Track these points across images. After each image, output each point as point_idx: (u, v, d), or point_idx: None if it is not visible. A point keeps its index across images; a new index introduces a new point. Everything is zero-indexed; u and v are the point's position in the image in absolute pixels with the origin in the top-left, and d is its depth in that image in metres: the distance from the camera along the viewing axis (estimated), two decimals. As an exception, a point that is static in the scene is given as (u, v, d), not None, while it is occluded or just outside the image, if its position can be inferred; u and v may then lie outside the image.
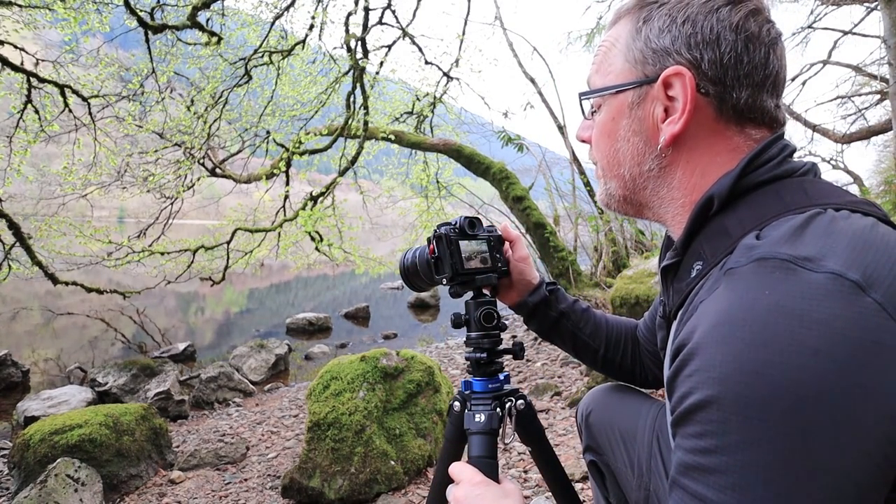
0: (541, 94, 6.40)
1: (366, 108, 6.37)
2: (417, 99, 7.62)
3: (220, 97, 6.43)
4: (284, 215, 6.99)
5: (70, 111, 5.68)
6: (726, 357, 0.44)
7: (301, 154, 6.64)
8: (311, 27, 6.33)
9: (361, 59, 6.29)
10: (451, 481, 0.78)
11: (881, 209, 0.54)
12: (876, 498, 0.42)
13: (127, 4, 4.99)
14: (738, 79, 0.58)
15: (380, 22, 6.53)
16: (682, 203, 0.63)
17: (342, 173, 6.71)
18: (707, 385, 0.44)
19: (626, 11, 0.65)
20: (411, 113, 7.64)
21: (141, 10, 5.32)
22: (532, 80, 6.43)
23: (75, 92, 5.63)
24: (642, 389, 1.07)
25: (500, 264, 0.94)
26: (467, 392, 0.90)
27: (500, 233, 0.99)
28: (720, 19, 0.58)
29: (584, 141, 0.72)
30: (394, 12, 6.54)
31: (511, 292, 1.01)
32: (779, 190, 0.57)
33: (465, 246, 0.89)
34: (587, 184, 6.18)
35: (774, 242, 0.48)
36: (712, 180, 0.60)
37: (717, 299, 0.49)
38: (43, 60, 5.60)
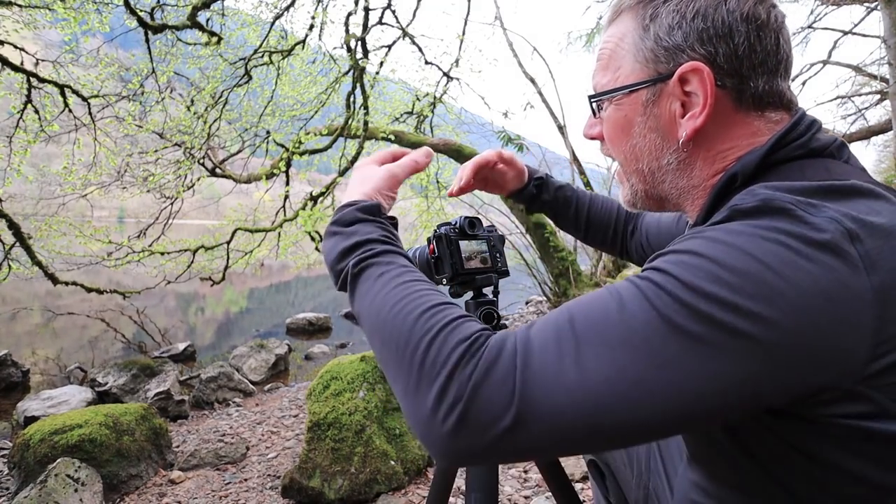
0: (541, 94, 6.41)
1: (366, 108, 6.37)
2: (417, 99, 7.62)
3: (220, 97, 6.43)
4: (284, 215, 6.99)
5: (70, 111, 5.68)
6: (708, 249, 0.46)
7: (301, 154, 6.64)
8: (311, 27, 6.34)
9: (361, 59, 6.29)
10: (453, 481, 0.78)
11: None
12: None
13: (127, 4, 4.99)
14: (754, 68, 0.58)
15: (380, 22, 6.53)
16: (703, 187, 0.63)
17: (342, 173, 6.71)
18: (685, 251, 0.47)
19: (627, 8, 0.64)
20: (411, 113, 7.65)
21: (141, 10, 5.32)
22: (532, 80, 6.43)
23: (75, 92, 5.63)
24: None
25: (500, 264, 0.94)
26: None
27: (499, 233, 0.99)
28: (730, 10, 0.57)
29: (592, 138, 0.72)
30: (394, 12, 6.54)
31: (509, 184, 1.08)
32: (802, 167, 0.56)
33: (465, 246, 0.89)
34: (587, 184, 6.18)
35: (778, 187, 0.49)
36: (735, 160, 0.60)
37: (715, 229, 0.50)
38: (43, 60, 5.60)
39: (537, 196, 1.09)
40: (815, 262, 0.43)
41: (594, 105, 0.69)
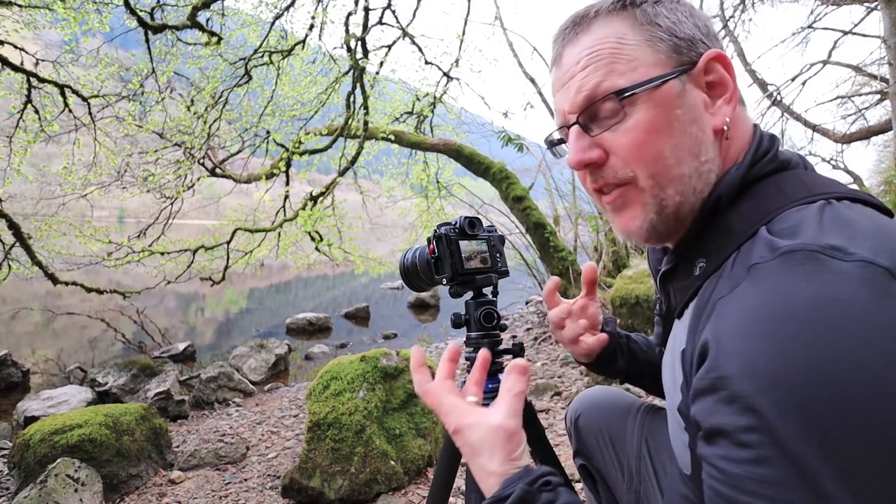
0: (541, 94, 6.41)
1: (366, 108, 6.37)
2: (417, 99, 7.62)
3: (220, 97, 6.43)
4: (284, 215, 6.99)
5: (70, 111, 5.68)
6: (772, 356, 0.41)
7: (301, 154, 6.64)
8: (311, 27, 6.33)
9: (361, 59, 6.29)
10: (452, 481, 0.78)
11: (877, 199, 0.55)
12: None
13: (127, 4, 4.99)
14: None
15: (380, 22, 6.53)
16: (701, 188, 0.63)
17: (342, 173, 6.71)
18: (755, 389, 0.41)
19: (607, 13, 0.61)
20: (411, 113, 7.64)
21: (141, 10, 5.32)
22: (532, 80, 6.43)
23: (75, 92, 5.63)
24: (630, 392, 1.07)
25: (500, 264, 0.94)
26: (467, 392, 0.90)
27: (499, 233, 0.98)
28: (697, 15, 0.62)
29: (591, 162, 0.62)
30: (394, 12, 6.54)
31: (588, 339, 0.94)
32: (777, 182, 0.56)
33: (465, 246, 0.89)
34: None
35: (796, 234, 0.47)
36: (727, 163, 0.61)
37: (745, 296, 0.46)
38: (43, 60, 5.60)
39: (625, 344, 0.95)
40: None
41: (586, 118, 0.61)
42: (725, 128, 0.59)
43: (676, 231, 0.63)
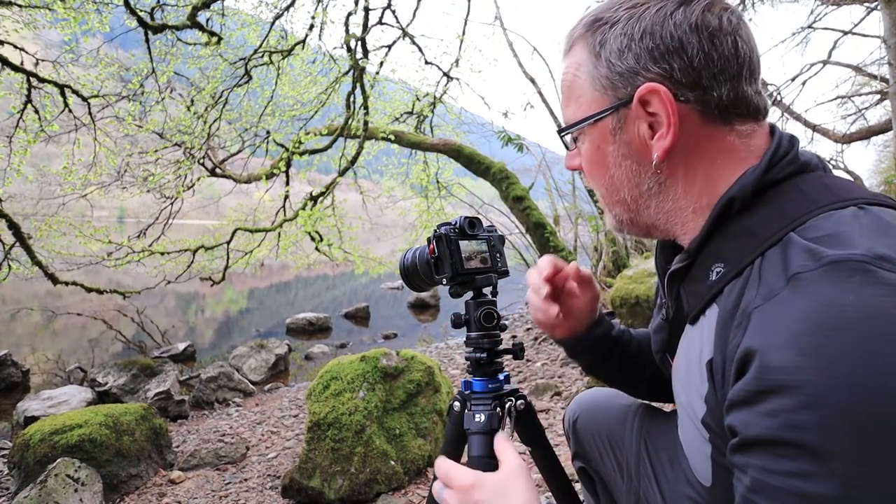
0: (541, 94, 6.40)
1: (366, 108, 6.37)
2: (417, 99, 7.62)
3: (220, 97, 6.43)
4: (284, 215, 6.99)
5: (70, 111, 5.69)
6: (822, 370, 0.39)
7: (301, 154, 6.65)
8: (311, 27, 6.34)
9: (361, 59, 6.29)
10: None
11: None
12: None
13: (127, 4, 4.99)
14: (714, 77, 0.56)
15: (380, 22, 6.54)
16: (692, 210, 0.61)
17: (342, 173, 6.71)
18: (804, 403, 0.40)
19: (578, 37, 0.63)
20: (411, 113, 7.65)
21: (141, 10, 5.32)
22: (532, 80, 6.42)
23: (75, 92, 5.63)
24: (628, 394, 1.01)
25: (500, 264, 0.94)
26: (467, 392, 0.90)
27: (499, 233, 0.98)
28: (678, 24, 0.56)
29: (574, 169, 0.71)
30: (394, 12, 6.55)
31: (570, 322, 0.92)
32: (798, 185, 0.55)
33: (465, 246, 0.89)
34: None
35: (839, 243, 0.45)
36: (720, 182, 0.58)
37: (789, 306, 0.44)
38: (43, 60, 5.60)
39: (609, 332, 0.93)
40: None
41: (566, 137, 0.68)
42: (653, 164, 0.59)
43: (647, 232, 0.67)
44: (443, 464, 0.71)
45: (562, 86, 0.67)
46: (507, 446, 0.71)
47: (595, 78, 0.61)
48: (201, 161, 7.12)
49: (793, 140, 0.58)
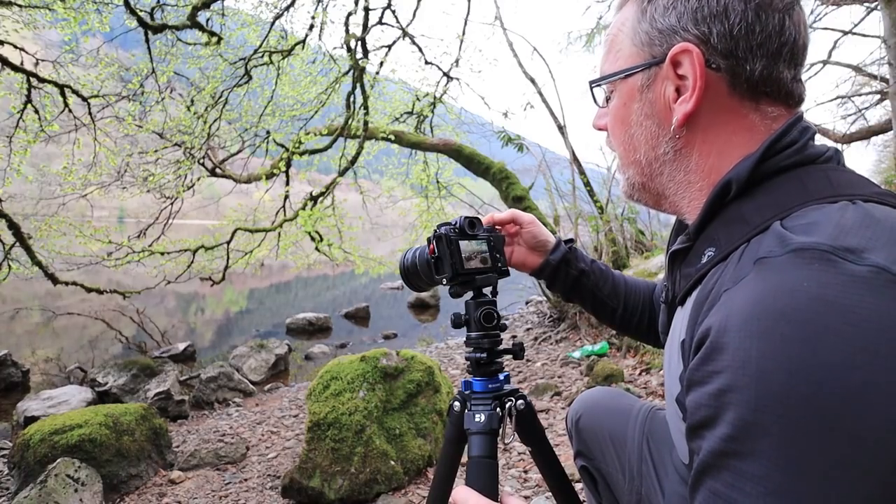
0: (541, 94, 6.39)
1: (366, 108, 6.37)
2: (417, 99, 7.62)
3: (220, 97, 6.43)
4: (284, 215, 6.99)
5: (70, 111, 5.69)
6: (764, 353, 0.40)
7: (301, 154, 6.65)
8: (311, 27, 6.34)
9: (361, 59, 6.29)
10: (453, 481, 0.78)
11: None
12: None
13: (127, 4, 4.99)
14: (751, 49, 0.55)
15: (380, 22, 6.53)
16: (699, 187, 0.61)
17: (342, 173, 6.71)
18: (742, 383, 0.41)
19: None
20: (411, 113, 7.64)
21: (141, 10, 5.32)
22: (532, 80, 6.42)
23: (75, 92, 5.63)
24: (631, 393, 1.05)
25: (500, 264, 0.94)
26: (467, 392, 0.90)
27: (498, 232, 0.98)
28: None
29: (600, 129, 0.71)
30: (394, 12, 6.55)
31: (530, 257, 1.02)
32: (801, 176, 0.54)
33: (465, 246, 0.89)
34: (587, 184, 6.17)
35: (810, 232, 0.45)
36: (730, 161, 0.57)
37: (747, 289, 0.45)
38: (43, 60, 5.60)
39: (571, 263, 1.01)
40: None
41: (598, 93, 0.68)
42: (672, 128, 0.59)
43: (657, 201, 0.67)
44: (461, 492, 0.70)
45: (605, 40, 0.67)
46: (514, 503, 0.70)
47: (636, 33, 0.61)
48: (201, 161, 7.12)
49: (805, 131, 0.57)
